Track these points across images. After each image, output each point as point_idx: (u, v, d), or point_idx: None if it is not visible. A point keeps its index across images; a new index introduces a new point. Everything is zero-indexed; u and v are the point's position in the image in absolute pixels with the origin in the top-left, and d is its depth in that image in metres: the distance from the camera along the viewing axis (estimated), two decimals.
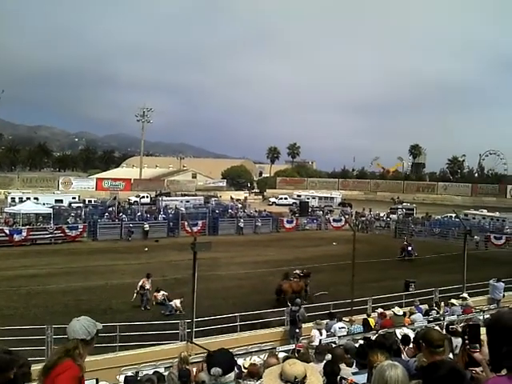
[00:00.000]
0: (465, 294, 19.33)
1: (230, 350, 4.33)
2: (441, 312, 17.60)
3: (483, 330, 2.88)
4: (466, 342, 3.30)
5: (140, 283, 22.87)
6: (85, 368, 3.88)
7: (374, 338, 10.37)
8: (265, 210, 58.80)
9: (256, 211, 57.76)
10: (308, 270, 25.68)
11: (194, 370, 10.66)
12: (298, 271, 25.31)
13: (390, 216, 58.30)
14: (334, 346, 11.08)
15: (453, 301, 17.78)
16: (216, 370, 3.79)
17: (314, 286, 25.32)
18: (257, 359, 12.07)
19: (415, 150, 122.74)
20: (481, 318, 13.63)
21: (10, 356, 3.93)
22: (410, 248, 37.90)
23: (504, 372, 2.44)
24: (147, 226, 44.91)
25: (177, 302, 22.12)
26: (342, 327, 15.96)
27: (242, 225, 49.63)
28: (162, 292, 23.41)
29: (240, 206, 64.74)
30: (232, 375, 3.92)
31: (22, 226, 40.54)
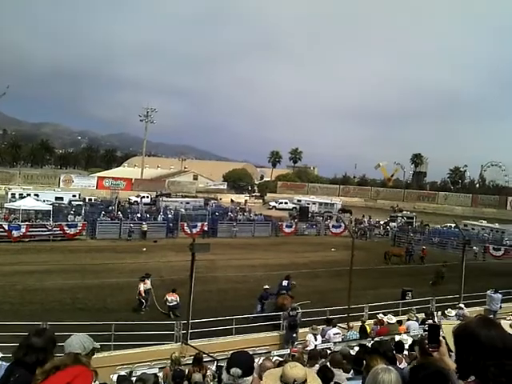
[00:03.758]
0: (461, 305, 19.34)
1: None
2: (436, 321, 17.58)
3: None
4: (426, 342, 3.33)
5: (141, 288, 22.36)
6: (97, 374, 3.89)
7: (369, 344, 10.38)
8: (261, 214, 58.83)
9: (255, 215, 57.82)
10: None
11: (186, 370, 10.69)
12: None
13: (390, 224, 58.34)
14: (328, 351, 11.09)
15: (449, 310, 17.79)
16: (236, 371, 3.79)
17: (310, 291, 25.21)
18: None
19: (417, 159, 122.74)
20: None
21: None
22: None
23: (472, 378, 2.45)
24: (145, 226, 44.93)
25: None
26: (337, 333, 15.98)
27: (236, 228, 49.38)
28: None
29: (238, 208, 64.83)
30: (250, 379, 3.92)
31: (22, 222, 40.53)
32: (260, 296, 22.19)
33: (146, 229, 44.51)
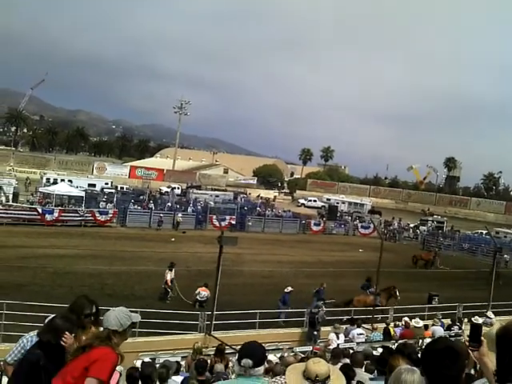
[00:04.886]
0: (490, 313, 18.98)
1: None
2: (463, 328, 17.33)
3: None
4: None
5: (168, 277, 22.64)
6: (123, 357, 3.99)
7: (393, 346, 10.32)
8: (289, 211, 58.71)
9: (284, 211, 57.77)
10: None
11: (209, 361, 10.80)
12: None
13: (420, 227, 57.58)
14: (351, 351, 11.06)
15: (476, 318, 17.49)
16: (247, 362, 3.82)
17: (336, 290, 25.05)
18: (272, 358, 12.14)
19: (450, 163, 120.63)
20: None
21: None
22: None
23: None
24: (180, 216, 45.31)
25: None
26: (361, 333, 15.92)
27: (250, 223, 49.19)
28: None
29: (262, 203, 64.97)
30: (262, 369, 3.94)
31: (55, 206, 41.39)
32: (282, 298, 21.21)
33: (180, 220, 44.82)
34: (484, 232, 47.89)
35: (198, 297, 21.92)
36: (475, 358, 3.01)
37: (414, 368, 3.29)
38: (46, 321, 4.60)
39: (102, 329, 4.05)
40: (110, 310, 4.06)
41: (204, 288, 21.85)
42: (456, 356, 2.72)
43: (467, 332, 3.36)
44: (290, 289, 21.32)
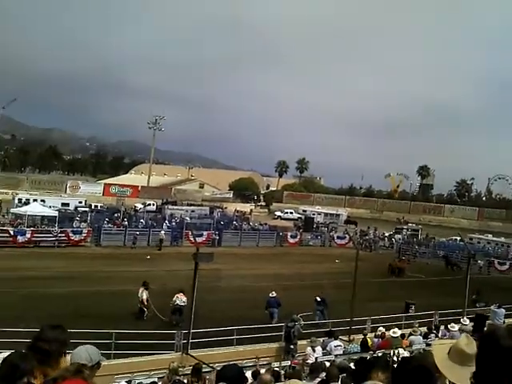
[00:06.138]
0: (465, 319, 19.17)
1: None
2: (439, 336, 17.46)
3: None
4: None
5: (144, 297, 22.49)
6: None
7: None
8: (266, 224, 58.74)
9: (261, 224, 57.79)
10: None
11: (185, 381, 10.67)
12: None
13: (395, 236, 58.15)
14: (328, 364, 11.04)
15: (452, 325, 17.65)
16: None
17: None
18: (249, 375, 12.03)
19: (423, 171, 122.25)
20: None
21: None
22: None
23: None
24: (163, 233, 44.95)
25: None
26: (338, 345, 15.89)
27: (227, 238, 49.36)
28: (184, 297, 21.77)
29: (239, 217, 65.08)
30: None
31: (27, 227, 40.69)
32: (267, 303, 23.10)
33: (163, 237, 44.40)
34: (458, 238, 48.62)
35: (177, 302, 21.71)
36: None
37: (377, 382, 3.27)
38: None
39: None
40: (81, 346, 3.99)
41: (181, 294, 21.78)
42: (428, 375, 2.72)
43: (435, 347, 3.38)
44: (274, 293, 23.33)
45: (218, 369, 4.14)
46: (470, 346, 3.22)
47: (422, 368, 2.75)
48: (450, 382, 3.40)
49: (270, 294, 23.37)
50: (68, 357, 3.91)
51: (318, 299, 23.87)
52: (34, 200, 53.42)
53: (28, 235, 38.90)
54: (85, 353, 3.86)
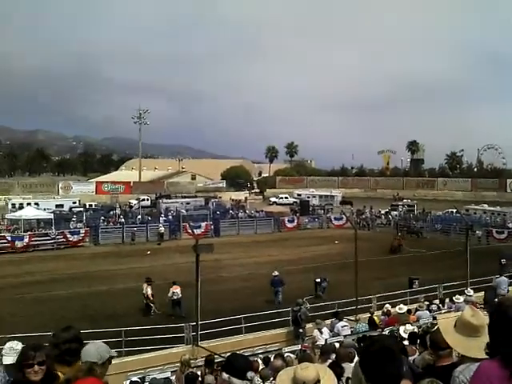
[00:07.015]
0: (469, 289, 19.30)
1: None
2: (445, 308, 17.59)
3: None
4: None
5: (149, 292, 22.55)
6: None
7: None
8: (262, 210, 58.72)
9: (257, 211, 57.78)
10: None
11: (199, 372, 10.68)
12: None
13: (391, 213, 58.35)
14: (338, 345, 11.09)
15: (457, 296, 17.78)
16: (251, 374, 3.79)
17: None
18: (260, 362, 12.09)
19: (413, 146, 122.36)
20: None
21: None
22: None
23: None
24: (162, 228, 45.03)
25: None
26: (345, 325, 15.94)
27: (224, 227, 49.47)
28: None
29: (236, 205, 65.11)
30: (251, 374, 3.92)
31: (24, 232, 40.51)
32: (271, 282, 24.32)
33: (163, 231, 44.56)
34: (454, 211, 48.84)
35: (174, 297, 21.86)
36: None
37: None
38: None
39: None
40: (89, 344, 3.99)
41: (175, 286, 22.04)
42: (391, 355, 2.73)
43: (440, 322, 3.42)
44: (276, 273, 24.57)
45: (226, 357, 4.15)
46: (475, 317, 3.25)
47: (386, 349, 2.75)
48: (459, 354, 3.44)
49: (273, 274, 24.46)
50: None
51: (318, 280, 25.13)
52: (28, 204, 53.14)
53: (26, 240, 38.75)
54: (94, 350, 3.89)
